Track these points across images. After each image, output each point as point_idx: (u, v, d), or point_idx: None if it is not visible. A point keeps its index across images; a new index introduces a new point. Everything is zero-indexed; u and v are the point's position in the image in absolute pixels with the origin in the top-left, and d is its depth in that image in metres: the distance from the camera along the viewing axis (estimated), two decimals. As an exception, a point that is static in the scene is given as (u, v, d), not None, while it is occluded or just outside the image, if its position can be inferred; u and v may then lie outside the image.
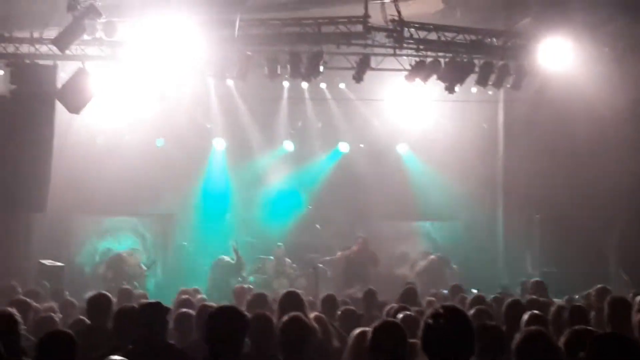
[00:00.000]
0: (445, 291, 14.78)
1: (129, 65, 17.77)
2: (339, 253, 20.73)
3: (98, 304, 9.20)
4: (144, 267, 19.25)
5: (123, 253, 19.74)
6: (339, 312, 10.36)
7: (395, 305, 10.38)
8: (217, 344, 6.62)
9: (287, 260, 21.34)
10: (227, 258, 20.25)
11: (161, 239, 21.78)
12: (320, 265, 19.95)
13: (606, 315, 9.30)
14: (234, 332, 6.70)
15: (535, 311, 8.98)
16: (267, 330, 7.49)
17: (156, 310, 7.72)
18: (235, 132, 22.28)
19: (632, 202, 17.94)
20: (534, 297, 11.49)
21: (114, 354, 6.48)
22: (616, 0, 16.75)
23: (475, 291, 15.08)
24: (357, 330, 7.72)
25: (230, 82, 20.38)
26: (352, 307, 10.93)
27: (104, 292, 9.91)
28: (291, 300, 9.06)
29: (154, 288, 19.81)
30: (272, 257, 21.32)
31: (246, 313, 7.19)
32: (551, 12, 17.74)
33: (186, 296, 12.52)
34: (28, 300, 10.76)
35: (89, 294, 10.18)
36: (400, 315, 8.64)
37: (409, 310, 9.42)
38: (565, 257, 18.85)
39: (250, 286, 16.22)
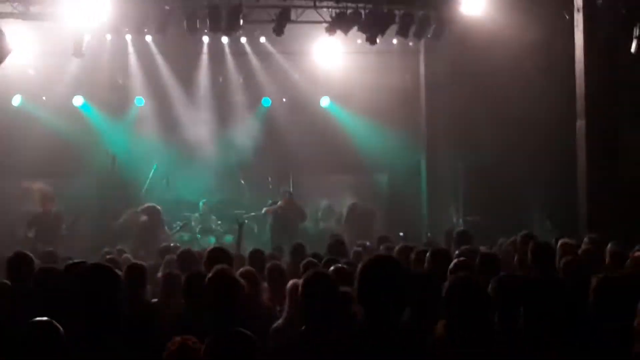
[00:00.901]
0: (368, 243, 14.77)
1: (43, 22, 17.37)
2: (265, 208, 20.65)
3: (18, 264, 8.95)
4: (65, 227, 18.79)
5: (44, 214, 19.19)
6: (267, 267, 10.29)
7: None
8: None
9: (213, 217, 21.25)
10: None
11: (85, 201, 21.31)
12: (246, 221, 19.85)
13: (530, 260, 9.43)
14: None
15: (462, 258, 9.06)
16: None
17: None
18: (156, 89, 21.93)
19: (557, 149, 18.13)
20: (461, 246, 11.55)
21: None
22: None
23: (401, 234, 15.22)
24: (291, 282, 7.70)
25: (148, 38, 20.05)
26: (279, 262, 10.88)
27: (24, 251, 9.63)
28: (218, 255, 8.98)
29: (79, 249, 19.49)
30: (197, 214, 21.19)
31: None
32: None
33: (111, 256, 12.38)
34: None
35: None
36: (332, 268, 8.61)
37: (338, 262, 9.41)
38: (490, 206, 19.03)
39: (177, 244, 16.03)
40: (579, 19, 15.99)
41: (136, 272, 8.63)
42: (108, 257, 12.41)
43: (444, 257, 9.22)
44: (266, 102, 22.76)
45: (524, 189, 19.21)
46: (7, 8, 16.94)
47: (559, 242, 10.50)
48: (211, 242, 19.95)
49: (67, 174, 21.02)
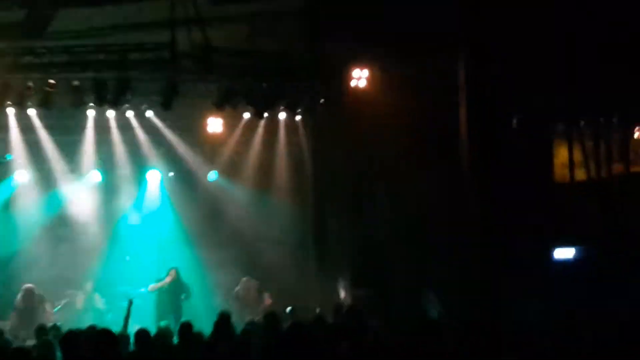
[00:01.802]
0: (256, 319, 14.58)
1: None
2: (151, 285, 20.26)
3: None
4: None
5: None
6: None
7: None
8: None
9: (96, 294, 20.72)
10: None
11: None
12: (133, 299, 19.42)
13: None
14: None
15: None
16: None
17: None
18: (39, 163, 21.44)
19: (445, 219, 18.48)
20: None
21: None
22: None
23: (288, 310, 15.09)
24: None
25: (32, 112, 19.64)
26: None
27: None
28: (101, 337, 8.71)
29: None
30: (80, 292, 20.65)
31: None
32: (355, 42, 18.13)
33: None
34: None
35: None
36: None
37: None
38: (378, 278, 19.07)
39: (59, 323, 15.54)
40: (462, 96, 16.42)
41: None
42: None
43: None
44: (151, 175, 22.43)
45: (413, 262, 19.37)
46: None
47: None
48: (95, 320, 19.43)
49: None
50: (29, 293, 19.06)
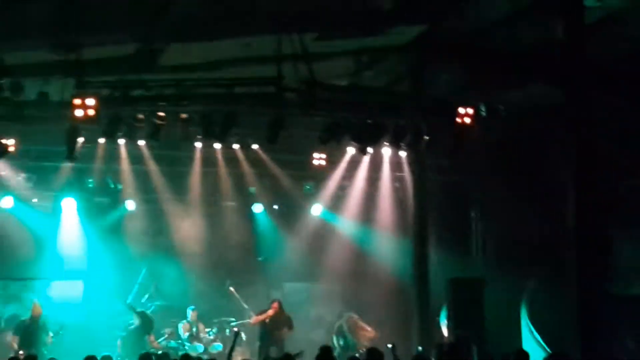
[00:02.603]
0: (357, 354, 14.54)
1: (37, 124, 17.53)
2: (254, 317, 20.39)
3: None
4: (51, 335, 18.60)
5: (32, 319, 19.02)
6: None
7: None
8: None
9: (201, 324, 20.98)
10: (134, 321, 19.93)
11: (69, 303, 21.16)
12: (240, 330, 19.63)
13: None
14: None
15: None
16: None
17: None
18: (147, 194, 21.88)
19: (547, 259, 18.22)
20: None
21: None
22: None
23: (390, 346, 15.00)
24: None
25: (141, 142, 20.09)
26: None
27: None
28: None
29: (65, 355, 19.27)
30: (184, 321, 20.92)
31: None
32: (461, 77, 18.10)
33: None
34: None
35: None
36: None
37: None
38: (481, 319, 18.89)
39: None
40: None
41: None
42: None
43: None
44: (257, 208, 22.65)
45: (513, 301, 19.19)
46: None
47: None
48: (199, 350, 19.70)
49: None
50: (143, 317, 19.43)
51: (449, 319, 19.42)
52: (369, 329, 20.29)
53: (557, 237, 18.41)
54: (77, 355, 15.33)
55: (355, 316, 20.72)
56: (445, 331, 19.83)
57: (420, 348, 16.22)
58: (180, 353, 17.98)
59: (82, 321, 20.75)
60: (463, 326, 18.70)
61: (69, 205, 21.47)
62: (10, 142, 18.32)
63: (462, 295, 19.09)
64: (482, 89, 18.03)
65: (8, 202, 20.94)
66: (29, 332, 18.56)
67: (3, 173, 20.43)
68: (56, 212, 21.55)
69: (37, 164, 20.67)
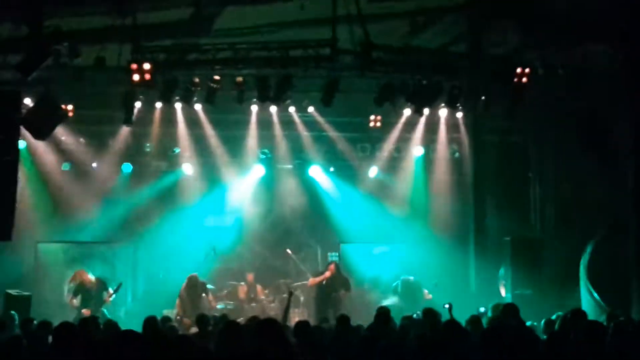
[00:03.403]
0: (415, 315, 14.55)
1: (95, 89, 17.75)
2: (311, 279, 20.52)
3: (63, 334, 8.88)
4: (112, 291, 18.85)
5: (89, 280, 19.30)
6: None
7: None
8: None
9: (258, 286, 21.15)
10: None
11: (130, 267, 21.47)
12: (295, 291, 19.76)
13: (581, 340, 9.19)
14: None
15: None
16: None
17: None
18: (204, 157, 22.04)
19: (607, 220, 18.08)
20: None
21: None
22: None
23: (446, 306, 15.00)
24: None
25: (198, 107, 20.22)
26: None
27: (69, 321, 9.64)
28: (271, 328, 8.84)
29: (124, 315, 19.59)
30: (243, 283, 21.12)
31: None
32: (517, 37, 17.88)
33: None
34: None
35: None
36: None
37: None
38: (538, 279, 18.81)
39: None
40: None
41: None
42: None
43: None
44: (313, 170, 22.67)
45: (571, 261, 19.07)
46: (59, 75, 17.26)
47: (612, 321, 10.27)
48: (255, 311, 19.87)
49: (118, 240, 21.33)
50: (192, 281, 19.62)
51: (507, 279, 19.37)
52: (424, 290, 20.26)
53: (617, 198, 18.27)
54: (137, 316, 15.64)
55: (411, 278, 20.71)
56: (503, 291, 19.79)
57: (482, 309, 16.12)
58: (238, 314, 18.23)
59: (140, 282, 20.98)
60: (521, 286, 18.68)
61: (128, 169, 21.74)
62: (69, 108, 18.63)
63: (521, 255, 19.02)
64: (539, 48, 17.81)
65: (69, 166, 21.32)
66: (88, 291, 18.81)
67: (63, 138, 20.70)
68: (115, 176, 21.79)
69: (95, 128, 20.95)
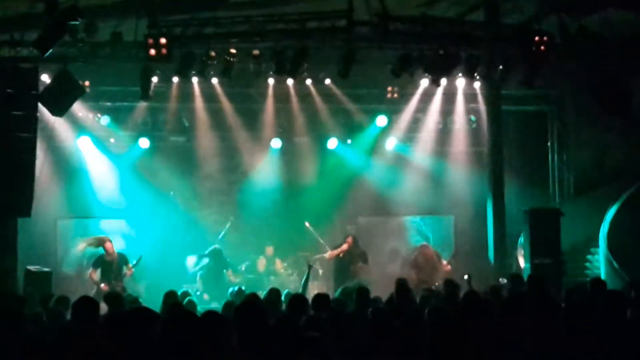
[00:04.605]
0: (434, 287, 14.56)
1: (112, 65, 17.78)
2: (329, 251, 20.53)
3: (83, 309, 8.86)
4: (131, 265, 18.89)
5: (112, 250, 19.29)
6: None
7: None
8: None
9: (277, 259, 21.20)
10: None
11: (150, 238, 21.51)
12: (314, 264, 19.80)
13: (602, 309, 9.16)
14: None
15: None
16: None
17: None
18: (221, 131, 22.02)
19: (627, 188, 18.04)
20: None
21: None
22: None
23: (466, 277, 15.01)
24: None
25: (214, 80, 20.20)
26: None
27: (89, 296, 9.67)
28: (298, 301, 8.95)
29: (145, 291, 19.67)
30: (261, 256, 21.16)
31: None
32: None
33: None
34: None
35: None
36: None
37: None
38: (558, 248, 18.78)
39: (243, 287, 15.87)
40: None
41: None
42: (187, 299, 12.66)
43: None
44: (331, 143, 22.60)
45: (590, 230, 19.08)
46: (76, 52, 17.28)
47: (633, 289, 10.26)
48: (275, 284, 19.92)
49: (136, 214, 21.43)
50: (215, 255, 19.68)
51: (525, 249, 19.34)
52: (444, 262, 20.25)
53: (637, 166, 18.19)
54: (158, 289, 15.71)
55: (431, 249, 20.70)
56: (521, 262, 19.76)
57: (503, 280, 16.09)
58: (258, 286, 18.26)
59: (161, 258, 21.03)
60: (540, 256, 18.65)
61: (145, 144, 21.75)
62: (86, 83, 18.66)
63: (539, 225, 18.98)
64: (558, 15, 17.65)
65: (85, 142, 21.32)
66: (108, 264, 18.83)
67: (80, 114, 20.73)
68: (132, 151, 21.81)
69: (112, 104, 20.97)
